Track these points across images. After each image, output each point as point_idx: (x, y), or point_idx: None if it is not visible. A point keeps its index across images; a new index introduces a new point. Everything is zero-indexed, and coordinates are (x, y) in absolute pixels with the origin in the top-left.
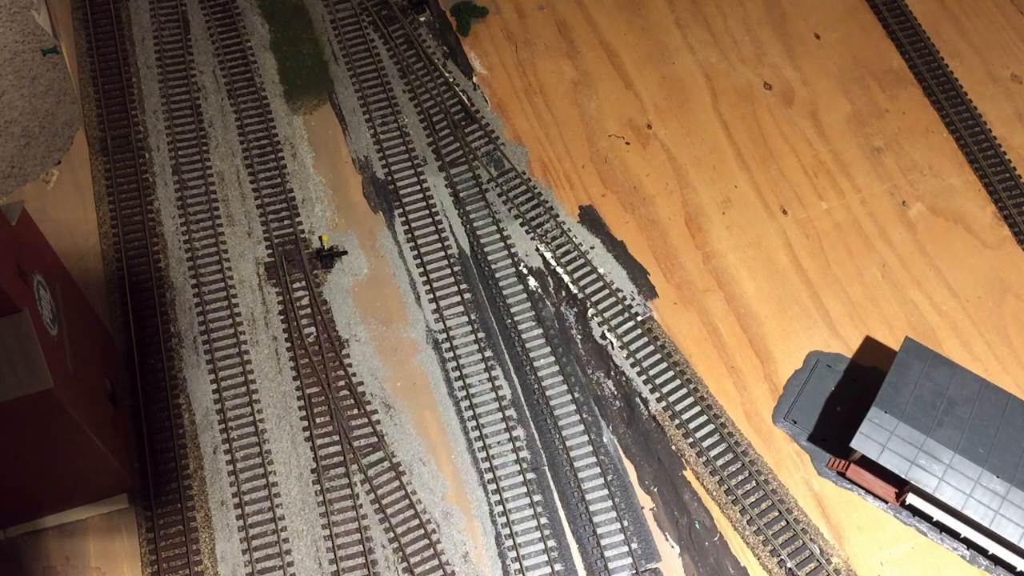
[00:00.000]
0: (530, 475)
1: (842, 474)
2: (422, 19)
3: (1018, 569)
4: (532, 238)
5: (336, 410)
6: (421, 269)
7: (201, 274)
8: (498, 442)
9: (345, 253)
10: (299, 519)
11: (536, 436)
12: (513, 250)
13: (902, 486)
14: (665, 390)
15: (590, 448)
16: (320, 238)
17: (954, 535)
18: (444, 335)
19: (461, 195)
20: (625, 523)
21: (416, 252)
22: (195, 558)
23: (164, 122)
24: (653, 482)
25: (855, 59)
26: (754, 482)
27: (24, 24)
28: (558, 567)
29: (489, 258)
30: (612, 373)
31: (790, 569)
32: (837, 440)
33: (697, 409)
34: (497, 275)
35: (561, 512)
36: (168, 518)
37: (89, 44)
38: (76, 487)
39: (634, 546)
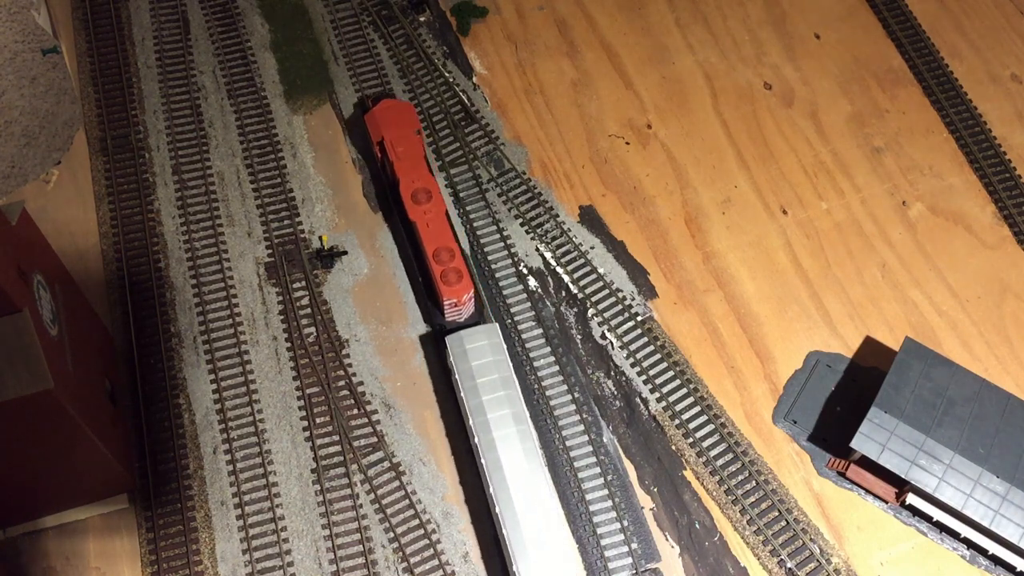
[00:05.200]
0: None
1: (842, 474)
2: (422, 19)
3: (1018, 569)
4: (532, 238)
5: (336, 410)
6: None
7: (201, 274)
8: None
9: (345, 253)
10: (299, 519)
11: (536, 436)
12: (513, 250)
13: (902, 486)
14: (665, 390)
15: (590, 448)
16: (320, 238)
17: (954, 535)
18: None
19: (461, 195)
20: (625, 523)
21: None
22: (195, 558)
23: (164, 122)
24: (653, 482)
25: (855, 59)
26: (754, 482)
27: (24, 24)
28: None
29: (489, 258)
30: (612, 373)
31: (790, 569)
32: (837, 440)
33: (697, 409)
34: (497, 275)
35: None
36: (168, 518)
37: (89, 44)
38: (76, 487)
39: (634, 546)
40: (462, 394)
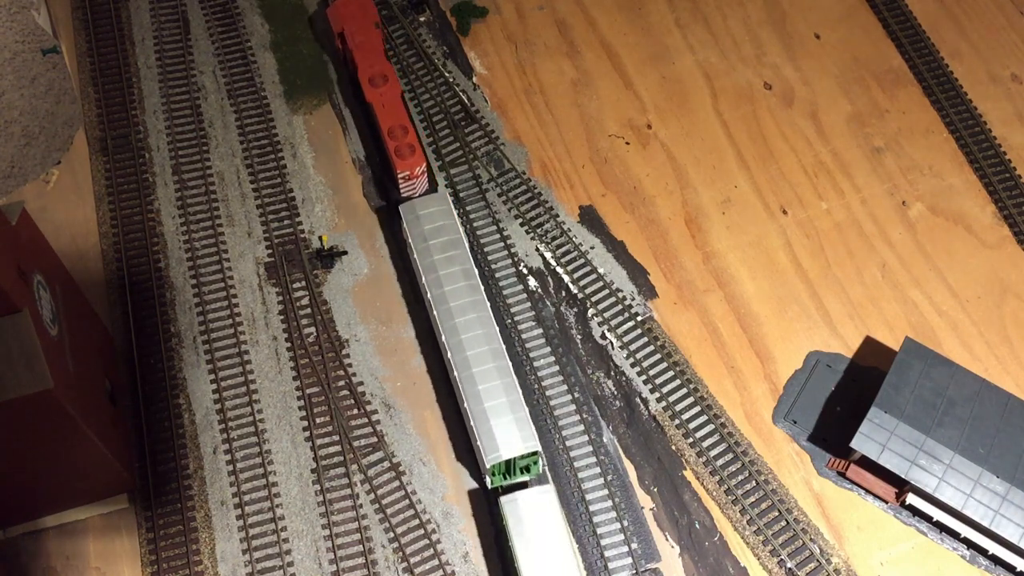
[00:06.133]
0: None
1: (842, 474)
2: (422, 19)
3: (1018, 569)
4: (532, 238)
5: (336, 410)
6: None
7: (201, 274)
8: None
9: (345, 253)
10: (299, 519)
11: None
12: (513, 250)
13: (902, 486)
14: (665, 390)
15: (590, 448)
16: (320, 238)
17: (954, 535)
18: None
19: (461, 195)
20: (625, 523)
21: None
22: (195, 558)
23: (164, 122)
24: (653, 482)
25: (855, 59)
26: (754, 482)
27: (24, 24)
28: None
29: (489, 258)
30: (612, 373)
31: (790, 569)
32: (837, 440)
33: (697, 409)
34: (497, 275)
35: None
36: (168, 518)
37: (89, 44)
38: (76, 487)
39: (634, 546)
40: (415, 255)
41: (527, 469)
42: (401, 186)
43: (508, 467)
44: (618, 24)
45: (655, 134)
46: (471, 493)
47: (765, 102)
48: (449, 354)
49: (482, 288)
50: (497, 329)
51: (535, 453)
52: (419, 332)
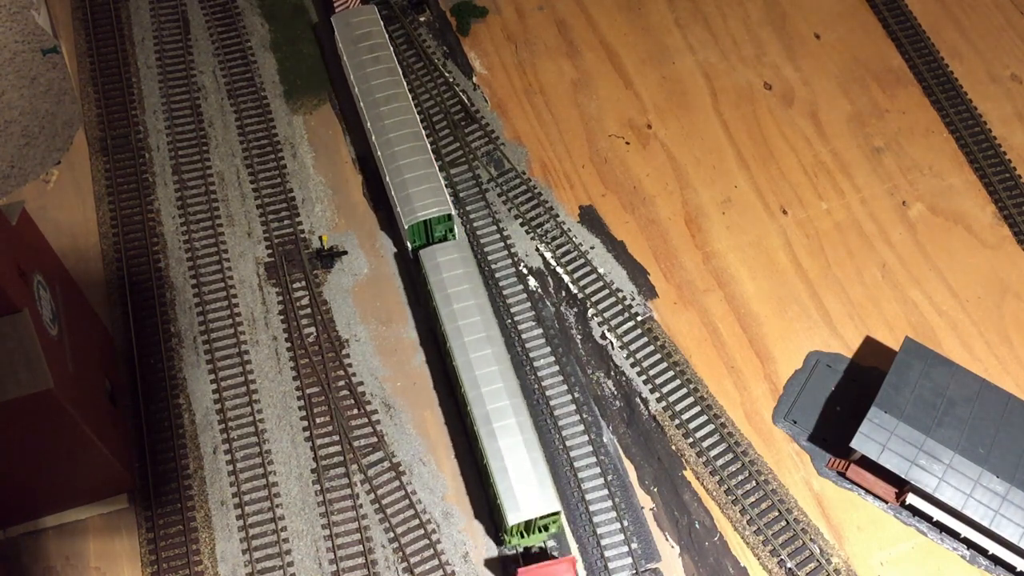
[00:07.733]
0: None
1: (842, 474)
2: (422, 19)
3: (1018, 569)
4: (532, 238)
5: (336, 410)
6: None
7: (201, 274)
8: None
9: (345, 253)
10: (299, 519)
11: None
12: (513, 250)
13: (902, 486)
14: (665, 390)
15: (590, 448)
16: (320, 238)
17: (954, 535)
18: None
19: (461, 195)
20: (625, 523)
21: None
22: (195, 558)
23: (164, 122)
24: (653, 482)
25: (855, 59)
26: (754, 482)
27: (24, 24)
28: None
29: (489, 258)
30: (612, 373)
31: (790, 569)
32: (837, 440)
33: (697, 409)
34: (497, 275)
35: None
36: (168, 518)
37: (89, 44)
38: (76, 487)
39: (634, 546)
40: (345, 58)
41: (444, 238)
42: (336, 5)
43: (427, 234)
44: (618, 24)
45: (655, 134)
46: (471, 493)
47: (765, 102)
48: (374, 137)
49: (404, 84)
50: (418, 118)
51: (449, 218)
52: (419, 332)
